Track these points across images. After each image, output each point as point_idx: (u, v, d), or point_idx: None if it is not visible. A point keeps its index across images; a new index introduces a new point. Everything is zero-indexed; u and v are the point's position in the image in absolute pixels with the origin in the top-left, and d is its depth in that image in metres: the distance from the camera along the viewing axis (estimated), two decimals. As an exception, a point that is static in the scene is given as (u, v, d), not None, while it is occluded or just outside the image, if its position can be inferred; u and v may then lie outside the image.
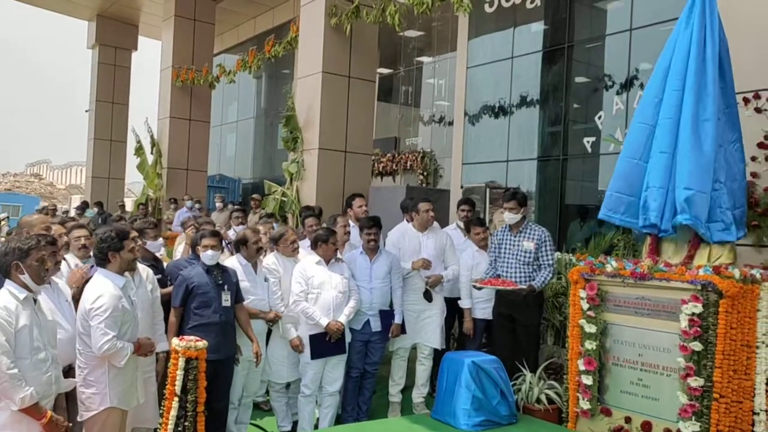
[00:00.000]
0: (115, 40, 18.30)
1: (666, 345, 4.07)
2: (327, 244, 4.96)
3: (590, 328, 4.39)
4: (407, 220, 5.84)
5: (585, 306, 4.42)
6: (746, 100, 4.85)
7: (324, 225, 5.68)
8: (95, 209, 14.42)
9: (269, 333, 5.08)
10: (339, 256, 5.15)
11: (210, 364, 4.17)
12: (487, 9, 10.93)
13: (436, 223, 5.67)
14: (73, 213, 16.12)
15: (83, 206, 15.04)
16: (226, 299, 4.49)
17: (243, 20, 17.85)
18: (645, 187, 4.36)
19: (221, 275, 4.54)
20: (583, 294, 4.43)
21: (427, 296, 5.40)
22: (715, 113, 4.18)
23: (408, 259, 5.40)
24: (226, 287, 4.51)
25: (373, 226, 5.29)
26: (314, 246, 5.04)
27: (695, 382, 3.81)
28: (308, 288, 4.90)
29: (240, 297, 4.65)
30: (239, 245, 4.86)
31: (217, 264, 4.59)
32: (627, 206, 4.47)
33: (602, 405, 4.39)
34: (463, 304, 5.75)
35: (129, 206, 15.69)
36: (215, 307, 4.42)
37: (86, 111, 18.89)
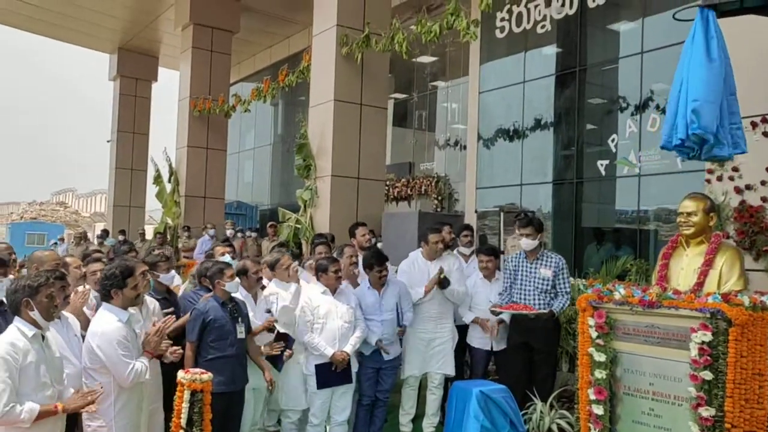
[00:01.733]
0: (135, 72, 18.69)
1: (677, 374, 3.99)
2: (327, 274, 4.97)
3: (600, 357, 4.32)
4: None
5: (594, 334, 4.36)
6: (754, 125, 4.83)
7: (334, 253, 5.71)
8: (120, 237, 14.61)
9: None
10: (343, 286, 5.15)
11: (226, 396, 4.26)
12: (498, 35, 11.02)
13: (444, 253, 5.67)
14: (95, 241, 16.37)
15: (103, 235, 15.26)
16: (241, 331, 4.50)
17: (259, 50, 18.14)
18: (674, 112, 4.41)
19: (235, 307, 4.56)
20: (591, 322, 4.37)
21: (441, 284, 5.35)
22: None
23: (416, 287, 5.40)
24: (240, 319, 4.52)
25: (383, 263, 5.29)
26: (317, 275, 5.06)
27: (707, 411, 3.72)
28: (313, 318, 4.90)
29: (250, 328, 4.67)
30: (240, 275, 4.86)
31: (230, 296, 4.61)
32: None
33: (614, 435, 4.31)
34: (467, 318, 5.71)
35: (149, 234, 15.87)
36: (231, 340, 4.42)
37: (108, 141, 19.25)
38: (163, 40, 17.59)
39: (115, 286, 3.79)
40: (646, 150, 8.87)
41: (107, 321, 3.71)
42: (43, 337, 3.32)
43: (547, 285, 5.24)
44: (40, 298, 3.26)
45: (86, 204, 59.83)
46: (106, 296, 3.81)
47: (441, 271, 5.35)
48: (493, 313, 5.37)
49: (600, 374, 4.32)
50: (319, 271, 5.03)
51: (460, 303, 5.63)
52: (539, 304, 5.21)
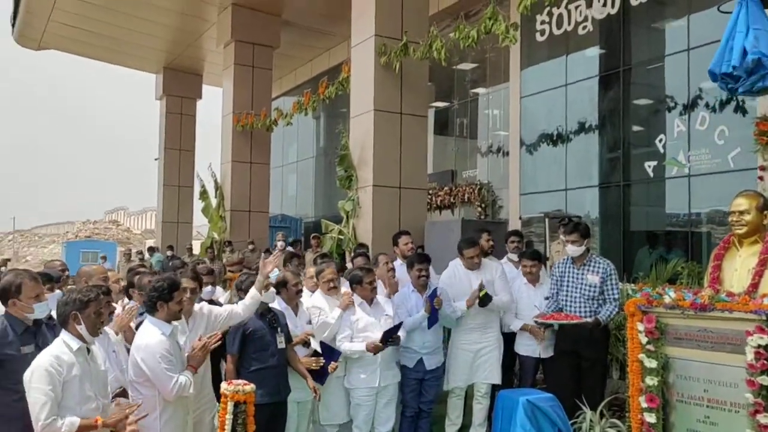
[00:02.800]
0: (180, 90, 19.12)
1: (733, 380, 3.82)
2: (362, 285, 4.94)
3: (650, 363, 4.17)
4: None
5: (644, 340, 4.21)
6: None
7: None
8: (168, 252, 14.92)
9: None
10: (380, 297, 5.09)
11: (270, 408, 4.27)
12: (539, 38, 10.89)
13: (484, 260, 5.57)
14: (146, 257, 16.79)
15: (150, 251, 15.62)
16: (281, 341, 4.50)
17: (300, 64, 18.35)
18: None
19: (274, 318, 4.56)
20: (640, 327, 4.23)
21: (482, 302, 5.22)
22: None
23: (458, 298, 5.31)
24: (279, 329, 4.52)
25: (423, 261, 5.24)
26: (352, 288, 5.02)
27: (765, 418, 3.55)
28: (353, 332, 4.87)
29: (290, 338, 4.66)
30: (279, 288, 4.83)
31: (268, 307, 4.63)
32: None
33: (668, 445, 4.15)
34: (514, 325, 5.58)
35: (196, 249, 16.16)
36: (272, 350, 4.42)
37: (155, 159, 19.72)
38: (206, 58, 17.96)
39: (162, 299, 3.82)
40: (696, 149, 8.61)
41: (151, 334, 3.75)
42: (89, 350, 3.36)
43: (595, 292, 5.09)
44: (89, 312, 3.31)
45: (137, 221, 61.46)
46: (151, 309, 3.85)
47: (481, 287, 5.22)
48: (537, 324, 5.24)
49: (651, 381, 4.17)
50: (354, 283, 5.00)
51: (505, 311, 5.52)
52: (586, 311, 5.07)
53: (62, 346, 3.26)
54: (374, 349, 4.74)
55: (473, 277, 5.39)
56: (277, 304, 4.76)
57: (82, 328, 3.29)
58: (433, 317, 5.05)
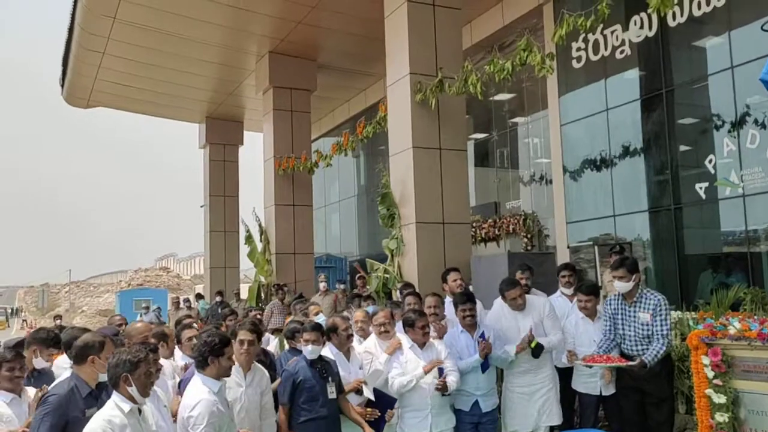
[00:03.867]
0: (223, 138, 19.54)
1: (810, 414, 3.58)
2: (413, 329, 4.84)
3: (719, 399, 3.96)
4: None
5: (710, 374, 4.01)
6: None
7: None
8: (218, 298, 15.06)
9: None
10: (433, 340, 4.98)
11: None
12: (575, 64, 10.78)
13: (530, 297, 5.38)
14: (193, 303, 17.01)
15: (197, 298, 15.80)
16: (332, 391, 4.43)
17: (337, 105, 18.59)
18: None
19: (325, 367, 4.50)
20: (706, 361, 4.04)
21: (534, 353, 5.04)
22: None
23: (507, 341, 5.15)
24: (330, 379, 4.45)
25: (467, 301, 5.11)
26: (405, 330, 4.93)
27: None
28: (404, 371, 4.76)
29: (342, 387, 4.57)
30: (329, 333, 4.76)
31: (319, 356, 4.54)
32: None
33: (745, 485, 3.90)
34: (563, 360, 5.35)
35: (244, 293, 16.27)
36: (322, 400, 4.36)
37: (201, 206, 20.09)
38: (246, 105, 18.35)
39: (214, 354, 3.76)
40: (748, 168, 8.31)
41: (200, 393, 3.69)
42: (140, 411, 3.33)
43: (648, 330, 4.82)
44: (139, 373, 3.28)
45: (186, 267, 62.61)
46: (202, 364, 3.79)
47: (530, 339, 5.02)
48: (584, 366, 5.02)
49: (722, 417, 3.96)
50: (406, 326, 4.90)
51: (557, 350, 5.32)
52: (642, 349, 4.81)
53: (114, 409, 3.23)
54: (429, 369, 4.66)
55: (520, 317, 5.22)
56: (328, 351, 4.69)
57: (133, 390, 3.26)
58: (484, 363, 4.94)
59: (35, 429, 3.33)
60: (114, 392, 3.31)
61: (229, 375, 3.92)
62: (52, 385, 3.62)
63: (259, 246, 14.09)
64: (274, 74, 14.25)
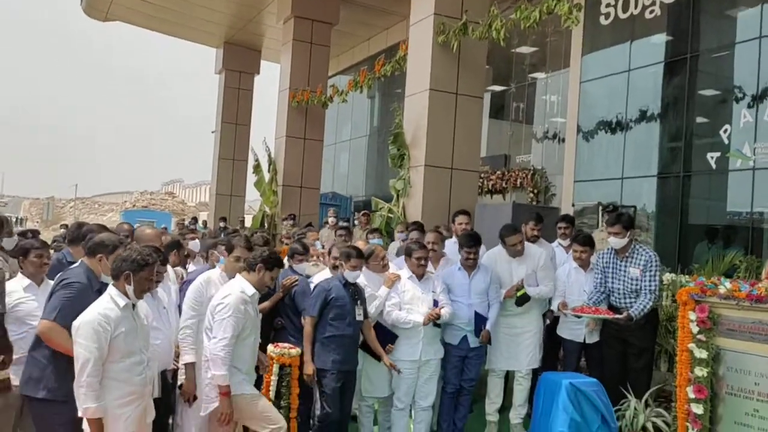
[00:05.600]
0: (239, 65, 19.37)
1: (787, 374, 3.71)
2: (411, 259, 4.96)
3: (701, 354, 4.08)
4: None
5: (695, 329, 4.12)
6: None
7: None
8: (221, 224, 15.25)
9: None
10: (431, 273, 5.10)
11: (342, 375, 4.42)
12: (603, 21, 10.61)
13: (529, 246, 5.48)
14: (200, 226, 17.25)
15: (193, 221, 16.00)
16: (359, 313, 4.59)
17: (358, 42, 18.35)
18: None
19: (357, 290, 4.66)
20: (692, 316, 4.14)
21: (518, 302, 5.18)
22: None
23: (500, 284, 5.29)
24: (359, 302, 4.61)
25: (473, 245, 5.21)
26: (405, 259, 5.06)
27: (820, 416, 3.44)
28: (401, 301, 4.90)
29: (367, 313, 4.73)
30: (367, 259, 4.96)
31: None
32: None
33: (715, 437, 4.06)
34: (553, 306, 5.48)
35: (248, 222, 16.45)
36: (350, 320, 4.52)
37: (212, 132, 20.09)
38: (265, 33, 18.12)
39: (265, 265, 4.05)
40: (762, 142, 8.29)
41: (235, 290, 3.99)
42: (134, 306, 3.44)
43: (636, 285, 4.99)
44: (141, 276, 3.37)
45: (192, 194, 62.93)
46: (250, 267, 4.09)
47: (519, 287, 5.18)
48: (575, 316, 5.16)
49: (701, 372, 4.10)
50: (405, 255, 5.03)
51: (547, 298, 5.45)
52: (628, 304, 4.99)
53: (110, 302, 3.34)
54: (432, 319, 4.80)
55: (515, 265, 5.33)
56: (363, 278, 4.83)
57: (130, 289, 3.35)
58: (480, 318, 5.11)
59: (57, 308, 3.43)
60: (111, 284, 3.41)
61: (264, 289, 4.20)
62: (66, 272, 3.72)
63: (267, 176, 14.13)
64: (296, 3, 14.02)
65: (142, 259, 3.38)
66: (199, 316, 4.11)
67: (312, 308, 4.50)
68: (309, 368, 4.39)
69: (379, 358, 4.77)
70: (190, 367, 4.06)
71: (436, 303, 4.90)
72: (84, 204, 57.83)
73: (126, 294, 3.36)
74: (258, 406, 3.98)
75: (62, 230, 11.88)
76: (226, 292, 3.96)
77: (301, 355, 4.40)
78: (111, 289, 3.38)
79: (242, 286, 4.01)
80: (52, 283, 3.75)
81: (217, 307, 3.90)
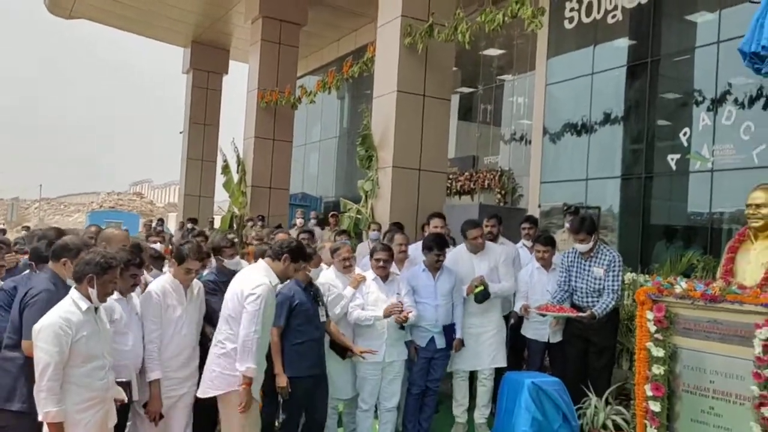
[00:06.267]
0: (207, 65, 19.20)
1: (739, 372, 3.82)
2: (372, 260, 5.00)
3: (658, 352, 4.18)
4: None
5: (652, 328, 4.22)
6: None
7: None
8: (189, 225, 15.09)
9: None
10: (396, 274, 5.14)
11: (314, 379, 4.40)
12: (567, 25, 10.78)
13: (490, 244, 5.56)
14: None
15: (159, 223, 15.82)
16: (323, 314, 4.59)
17: (327, 43, 18.34)
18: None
19: (316, 291, 4.65)
20: (650, 316, 4.24)
21: (477, 298, 5.20)
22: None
23: (462, 282, 5.34)
24: (320, 303, 4.61)
25: (443, 247, 5.25)
26: (371, 256, 5.10)
27: (770, 412, 3.55)
28: (364, 302, 4.93)
29: (328, 313, 4.73)
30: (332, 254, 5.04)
31: (311, 280, 4.67)
32: None
33: (671, 434, 4.17)
34: (516, 307, 5.58)
35: (217, 223, 16.32)
36: (316, 323, 4.51)
37: (180, 133, 19.88)
38: (234, 33, 18.00)
39: (293, 257, 4.08)
40: (720, 144, 8.51)
41: (264, 279, 3.98)
42: (96, 309, 3.40)
43: (599, 284, 5.11)
44: (105, 279, 3.33)
45: (161, 195, 62.08)
46: (276, 255, 4.09)
47: (480, 283, 5.21)
48: (535, 313, 5.26)
49: (658, 370, 4.19)
50: (370, 255, 5.07)
51: (507, 296, 5.53)
52: (591, 303, 5.11)
53: (72, 306, 3.29)
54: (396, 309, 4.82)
55: (476, 261, 5.40)
56: (332, 274, 4.85)
57: (93, 292, 3.31)
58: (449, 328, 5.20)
59: (32, 320, 3.33)
60: (73, 288, 3.36)
61: (283, 281, 4.21)
62: (31, 280, 3.65)
63: (236, 177, 14.07)
64: (264, 3, 13.97)
65: (105, 262, 3.33)
66: (160, 328, 4.05)
67: (279, 318, 4.38)
68: (282, 380, 4.28)
69: (343, 356, 4.78)
70: (156, 384, 3.98)
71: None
72: (49, 205, 56.68)
73: (89, 297, 3.31)
74: (246, 416, 3.89)
75: (24, 232, 11.64)
76: (257, 281, 3.90)
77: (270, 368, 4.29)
78: (73, 293, 3.34)
79: (269, 275, 4.01)
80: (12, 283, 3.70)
81: (249, 297, 3.84)
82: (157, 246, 5.82)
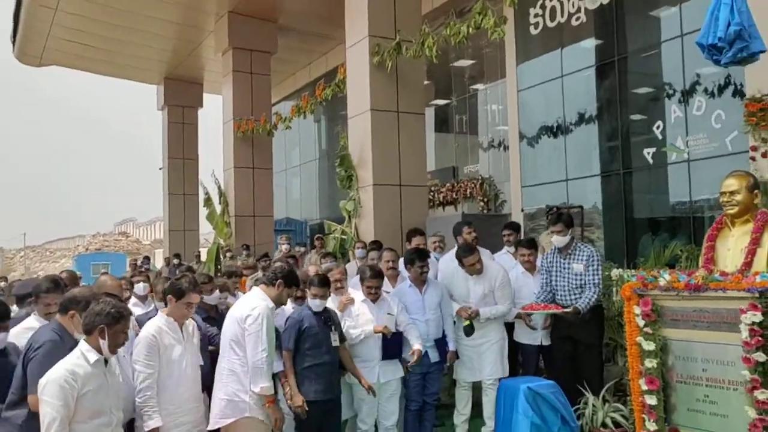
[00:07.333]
0: (182, 100, 19.24)
1: (729, 358, 3.85)
2: (363, 286, 5.00)
3: (648, 346, 4.20)
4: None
5: (641, 323, 4.24)
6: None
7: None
8: (175, 261, 15.05)
9: None
10: (385, 294, 5.13)
11: (324, 404, 4.37)
12: (533, 31, 10.92)
13: (488, 264, 5.54)
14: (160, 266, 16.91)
15: (145, 261, 15.77)
16: (335, 339, 4.56)
17: (298, 68, 18.44)
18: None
19: (329, 316, 4.64)
20: (637, 310, 4.26)
21: (465, 331, 5.20)
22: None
23: (456, 300, 5.37)
24: (333, 328, 4.59)
25: (424, 258, 5.28)
26: (362, 282, 5.09)
27: (763, 395, 3.58)
28: (355, 323, 4.92)
29: (343, 337, 4.72)
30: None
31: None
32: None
33: (670, 425, 4.17)
34: (511, 315, 5.56)
35: (203, 256, 16.24)
36: (326, 347, 4.49)
37: (160, 169, 19.85)
38: (205, 66, 18.07)
39: (285, 281, 4.20)
40: (694, 135, 8.63)
41: (262, 302, 4.08)
42: (106, 362, 3.30)
43: (581, 280, 5.18)
44: (117, 329, 3.26)
45: (146, 232, 61.79)
46: (270, 282, 4.20)
47: (471, 317, 5.18)
48: (519, 315, 5.30)
49: (650, 363, 4.21)
50: (360, 279, 5.06)
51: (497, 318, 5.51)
52: (574, 299, 5.16)
53: (80, 359, 3.20)
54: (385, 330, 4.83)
55: (472, 283, 5.36)
56: (330, 302, 4.83)
57: (104, 343, 3.22)
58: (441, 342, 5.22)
59: (36, 373, 3.25)
60: (82, 341, 3.26)
61: (280, 305, 4.34)
62: (36, 332, 3.57)
63: (218, 208, 14.05)
64: (233, 35, 14.06)
65: (116, 312, 3.27)
66: (156, 372, 3.89)
67: (287, 341, 4.43)
68: (298, 399, 4.28)
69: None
70: None
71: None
72: (35, 252, 56.18)
73: (99, 349, 3.22)
74: None
75: (2, 283, 11.53)
76: (253, 304, 4.01)
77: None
78: (82, 345, 3.23)
79: (264, 298, 4.10)
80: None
81: (248, 319, 3.95)
82: (140, 286, 5.77)
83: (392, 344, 4.89)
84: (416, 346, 4.91)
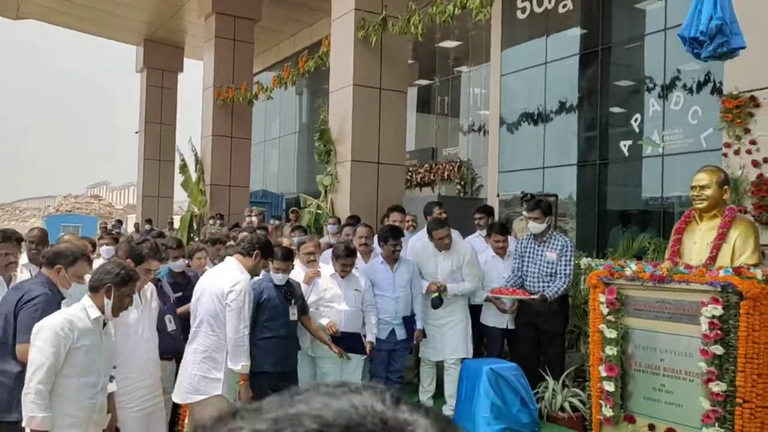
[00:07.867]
0: (161, 63, 18.89)
1: (688, 349, 3.94)
2: (337, 263, 4.99)
3: (610, 333, 4.29)
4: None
5: (605, 311, 4.32)
6: None
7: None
8: (147, 226, 14.91)
9: None
10: (355, 270, 5.13)
11: (277, 376, 4.33)
12: (520, 16, 10.89)
13: (457, 241, 5.59)
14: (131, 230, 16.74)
15: (117, 224, 15.62)
16: (293, 313, 4.56)
17: (282, 38, 18.20)
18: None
19: (290, 289, 4.61)
20: (602, 298, 4.34)
21: (433, 303, 5.28)
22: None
23: (424, 277, 5.39)
24: (293, 301, 4.58)
25: (398, 236, 5.30)
26: (334, 258, 5.08)
27: (717, 387, 3.67)
28: (322, 300, 4.93)
29: (306, 309, 4.72)
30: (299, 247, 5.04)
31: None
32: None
33: (626, 412, 4.27)
34: (480, 298, 5.65)
35: (177, 223, 16.10)
36: (283, 320, 4.48)
37: (136, 132, 19.55)
38: (187, 30, 17.74)
39: (262, 251, 4.13)
40: (670, 129, 8.71)
41: (241, 275, 4.02)
42: (105, 324, 3.24)
43: (552, 268, 5.22)
44: (123, 291, 3.20)
45: (119, 196, 60.99)
46: (247, 252, 4.14)
47: (435, 290, 5.24)
48: (491, 298, 5.35)
49: (611, 351, 4.29)
50: (334, 257, 5.05)
51: (464, 294, 5.57)
52: (543, 286, 5.21)
53: (81, 312, 3.13)
54: (332, 329, 4.81)
55: (440, 258, 5.41)
56: (299, 273, 4.81)
57: (108, 303, 3.15)
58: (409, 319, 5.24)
59: (29, 327, 3.15)
60: (86, 296, 3.19)
61: (257, 275, 4.29)
62: (25, 285, 3.55)
63: (194, 176, 13.89)
64: (217, -1, 13.81)
65: (126, 274, 3.22)
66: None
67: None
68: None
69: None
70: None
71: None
72: (4, 210, 55.14)
73: (101, 308, 3.15)
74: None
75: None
76: (234, 278, 3.94)
77: None
78: (86, 300, 3.17)
79: (242, 270, 4.03)
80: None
81: (230, 295, 3.88)
82: (104, 249, 5.68)
83: (353, 344, 4.92)
84: (369, 337, 4.96)
